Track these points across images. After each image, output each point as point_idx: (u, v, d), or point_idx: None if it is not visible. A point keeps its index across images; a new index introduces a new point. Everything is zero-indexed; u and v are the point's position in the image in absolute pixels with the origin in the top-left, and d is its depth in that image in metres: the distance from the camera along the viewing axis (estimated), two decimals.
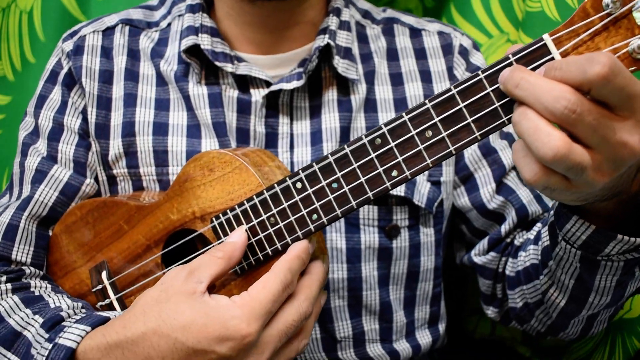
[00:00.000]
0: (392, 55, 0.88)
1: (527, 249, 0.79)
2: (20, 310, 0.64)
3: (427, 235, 0.84)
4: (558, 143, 0.44)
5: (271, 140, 0.80)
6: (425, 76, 0.87)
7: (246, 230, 0.61)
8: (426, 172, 0.83)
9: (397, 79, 0.86)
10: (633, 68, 0.46)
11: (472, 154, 0.86)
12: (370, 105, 0.83)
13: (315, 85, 0.82)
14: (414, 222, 0.82)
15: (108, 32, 0.86)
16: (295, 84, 0.78)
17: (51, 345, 0.57)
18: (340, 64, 0.81)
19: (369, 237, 0.80)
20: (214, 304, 0.55)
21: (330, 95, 0.82)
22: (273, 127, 0.80)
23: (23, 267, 0.74)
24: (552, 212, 0.65)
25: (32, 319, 0.62)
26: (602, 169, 0.46)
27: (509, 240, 0.85)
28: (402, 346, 0.84)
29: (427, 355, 0.90)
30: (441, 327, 0.89)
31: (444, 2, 1.11)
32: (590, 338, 0.92)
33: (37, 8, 1.09)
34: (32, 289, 0.70)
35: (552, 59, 0.48)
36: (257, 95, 0.79)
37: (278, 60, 0.83)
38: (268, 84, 0.80)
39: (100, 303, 0.72)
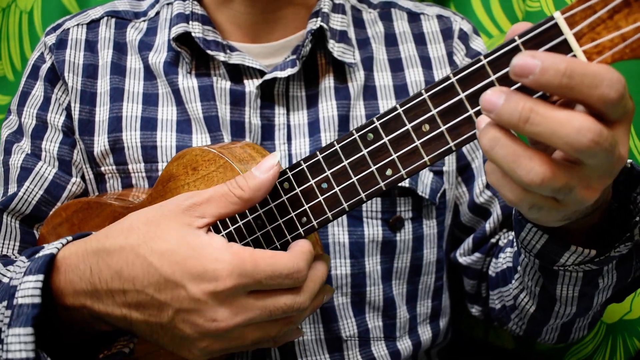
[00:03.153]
0: (391, 40, 0.84)
1: (506, 251, 0.77)
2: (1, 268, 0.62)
3: (430, 227, 0.80)
4: (543, 168, 0.39)
5: (267, 132, 0.76)
6: (426, 62, 0.83)
7: (278, 162, 0.53)
8: None
9: (396, 65, 0.82)
10: None
11: None
12: (369, 92, 0.79)
13: (311, 73, 0.78)
14: (417, 214, 0.79)
15: (92, 25, 0.82)
16: (289, 71, 0.74)
17: (29, 260, 0.54)
18: (336, 48, 0.76)
19: (373, 230, 0.76)
20: (206, 240, 0.49)
21: (327, 83, 0.78)
22: (269, 119, 0.76)
23: (9, 254, 0.72)
24: None
25: (14, 265, 0.58)
26: (591, 185, 0.41)
27: (494, 240, 0.82)
28: (405, 345, 0.80)
29: (425, 353, 0.86)
30: (442, 322, 0.86)
31: (443, 2, 1.08)
32: (590, 340, 0.89)
33: (37, 8, 1.09)
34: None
35: (565, 41, 0.42)
36: (251, 85, 0.76)
37: (271, 48, 0.79)
38: (262, 73, 0.76)
39: None
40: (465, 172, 0.83)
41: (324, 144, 0.75)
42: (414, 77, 0.81)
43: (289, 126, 0.77)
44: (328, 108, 0.77)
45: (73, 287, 0.53)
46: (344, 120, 0.77)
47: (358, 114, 0.78)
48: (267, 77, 0.74)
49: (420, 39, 0.84)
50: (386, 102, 0.79)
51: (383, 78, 0.81)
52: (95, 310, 0.52)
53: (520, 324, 0.77)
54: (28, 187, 0.75)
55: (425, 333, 0.83)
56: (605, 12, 0.41)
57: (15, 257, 0.73)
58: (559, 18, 0.42)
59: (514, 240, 0.71)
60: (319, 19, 0.76)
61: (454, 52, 0.84)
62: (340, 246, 0.75)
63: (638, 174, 0.55)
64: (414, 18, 0.86)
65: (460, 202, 0.84)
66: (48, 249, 0.54)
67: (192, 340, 0.51)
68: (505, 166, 0.41)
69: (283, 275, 0.50)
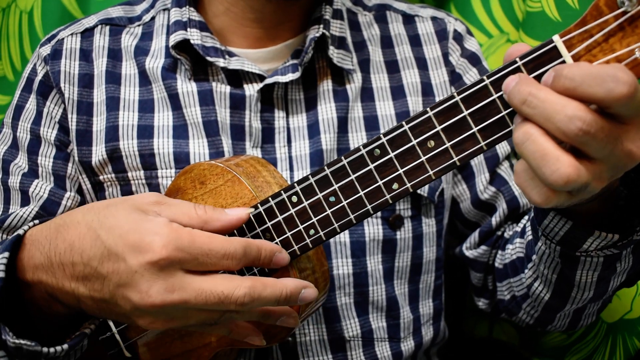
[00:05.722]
0: (387, 42, 0.85)
1: (514, 242, 0.78)
2: None
3: (429, 225, 0.82)
4: (569, 170, 0.41)
5: (268, 136, 0.77)
6: (421, 63, 0.85)
7: (251, 215, 0.57)
8: None
9: (392, 67, 0.84)
10: None
11: None
12: (367, 94, 0.81)
13: (309, 76, 0.79)
14: (416, 212, 0.81)
15: (87, 33, 0.82)
16: (290, 76, 0.75)
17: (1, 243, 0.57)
18: (336, 55, 0.78)
19: (373, 228, 0.78)
20: (150, 218, 0.52)
21: (326, 86, 0.79)
22: (269, 122, 0.78)
23: None
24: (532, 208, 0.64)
25: None
26: (602, 177, 0.44)
27: (499, 233, 0.84)
28: (408, 346, 0.82)
29: (424, 353, 0.88)
30: (442, 321, 0.88)
31: (443, 2, 1.09)
32: (590, 339, 0.91)
33: (37, 8, 1.08)
34: None
35: (563, 62, 0.44)
36: (251, 89, 0.77)
37: (270, 53, 0.80)
38: (262, 77, 0.77)
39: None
40: (464, 169, 0.85)
41: (323, 146, 0.77)
42: (410, 78, 0.83)
43: (288, 129, 0.78)
44: (327, 110, 0.78)
45: (33, 262, 0.55)
46: (342, 122, 0.79)
47: (356, 115, 0.80)
48: (268, 81, 0.75)
49: (415, 41, 0.86)
50: (383, 103, 0.81)
51: (380, 80, 0.82)
52: (49, 285, 0.55)
53: (532, 313, 0.79)
54: (27, 208, 0.76)
55: (427, 334, 0.85)
56: (601, 35, 0.44)
57: None
58: (558, 41, 0.44)
59: (528, 230, 0.72)
60: (321, 26, 0.77)
61: (449, 53, 0.85)
62: (342, 246, 0.77)
63: None
64: (408, 20, 0.87)
65: (461, 200, 0.86)
66: (18, 231, 0.58)
67: (133, 318, 0.53)
68: (532, 162, 0.43)
69: (219, 255, 0.51)
